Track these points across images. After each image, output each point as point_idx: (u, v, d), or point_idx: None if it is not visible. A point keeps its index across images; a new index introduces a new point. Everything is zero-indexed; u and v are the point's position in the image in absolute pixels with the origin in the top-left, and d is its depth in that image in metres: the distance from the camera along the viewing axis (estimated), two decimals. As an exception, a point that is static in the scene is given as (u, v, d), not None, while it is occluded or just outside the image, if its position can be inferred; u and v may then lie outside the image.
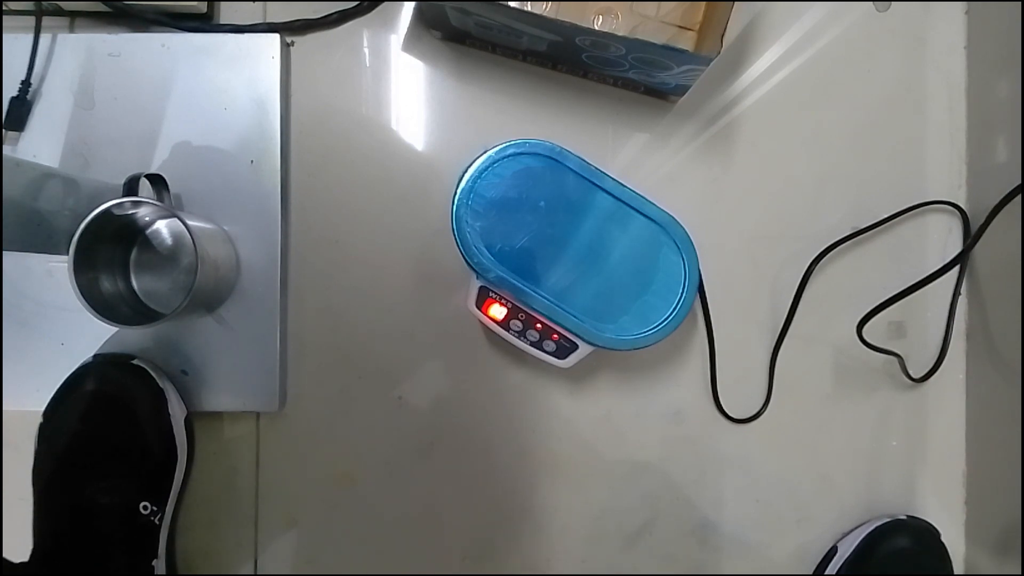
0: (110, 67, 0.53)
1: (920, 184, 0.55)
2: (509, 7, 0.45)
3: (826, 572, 0.53)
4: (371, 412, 0.55)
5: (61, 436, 0.48)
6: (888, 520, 0.53)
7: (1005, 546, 0.51)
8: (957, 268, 0.53)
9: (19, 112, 0.52)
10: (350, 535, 0.55)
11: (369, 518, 0.55)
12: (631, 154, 0.55)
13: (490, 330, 0.50)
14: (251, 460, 0.55)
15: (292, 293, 0.55)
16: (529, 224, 0.46)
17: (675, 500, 0.56)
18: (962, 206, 0.55)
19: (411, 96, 0.55)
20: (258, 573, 0.55)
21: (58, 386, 0.49)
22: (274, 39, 0.53)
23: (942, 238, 0.55)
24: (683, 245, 0.46)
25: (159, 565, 0.49)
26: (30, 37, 0.51)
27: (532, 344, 0.49)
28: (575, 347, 0.48)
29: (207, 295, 0.50)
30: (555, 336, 0.48)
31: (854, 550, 0.52)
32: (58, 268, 0.51)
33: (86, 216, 0.45)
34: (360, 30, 0.55)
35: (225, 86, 0.53)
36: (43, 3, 0.52)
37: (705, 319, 0.54)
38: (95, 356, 0.51)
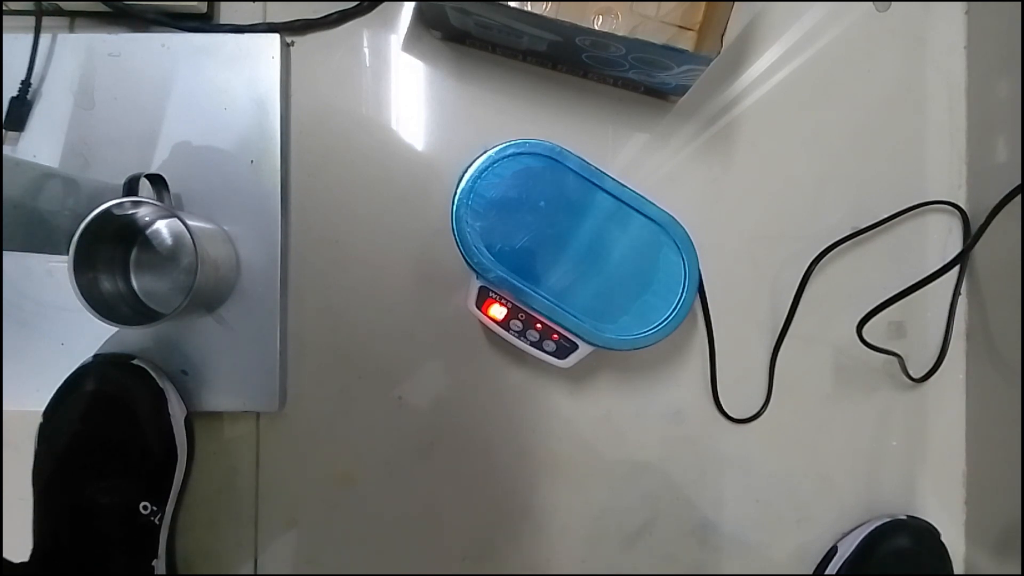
0: (110, 67, 0.53)
1: (920, 184, 0.55)
2: (509, 7, 0.45)
3: (826, 572, 0.53)
4: (371, 412, 0.55)
5: (61, 436, 0.48)
6: (888, 520, 0.53)
7: (1005, 546, 0.51)
8: (957, 268, 0.53)
9: (19, 112, 0.52)
10: (350, 535, 0.55)
11: (369, 518, 0.55)
12: (631, 154, 0.55)
13: (490, 330, 0.50)
14: (251, 460, 0.55)
15: (292, 293, 0.55)
16: (529, 224, 0.46)
17: (675, 500, 0.56)
18: (962, 206, 0.55)
19: (411, 96, 0.55)
20: (258, 573, 0.55)
21: (58, 386, 0.49)
22: (274, 39, 0.53)
23: (942, 238, 0.55)
24: (683, 245, 0.46)
25: (159, 565, 0.49)
26: (30, 37, 0.51)
27: (532, 344, 0.49)
28: (575, 347, 0.48)
29: (207, 295, 0.50)
30: (555, 336, 0.48)
31: (854, 550, 0.52)
32: (58, 268, 0.51)
33: (86, 216, 0.45)
34: (360, 30, 0.55)
35: (225, 86, 0.53)
36: (43, 3, 0.52)
37: (705, 319, 0.54)
38: (95, 356, 0.51)
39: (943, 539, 0.52)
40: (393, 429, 0.55)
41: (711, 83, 0.55)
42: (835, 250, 0.55)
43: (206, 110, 0.53)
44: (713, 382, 0.55)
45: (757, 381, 0.55)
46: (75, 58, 0.53)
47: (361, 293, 0.55)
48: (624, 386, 0.55)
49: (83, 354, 0.51)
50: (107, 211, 0.45)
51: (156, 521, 0.49)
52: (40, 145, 0.52)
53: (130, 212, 0.48)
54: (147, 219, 0.52)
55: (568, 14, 0.45)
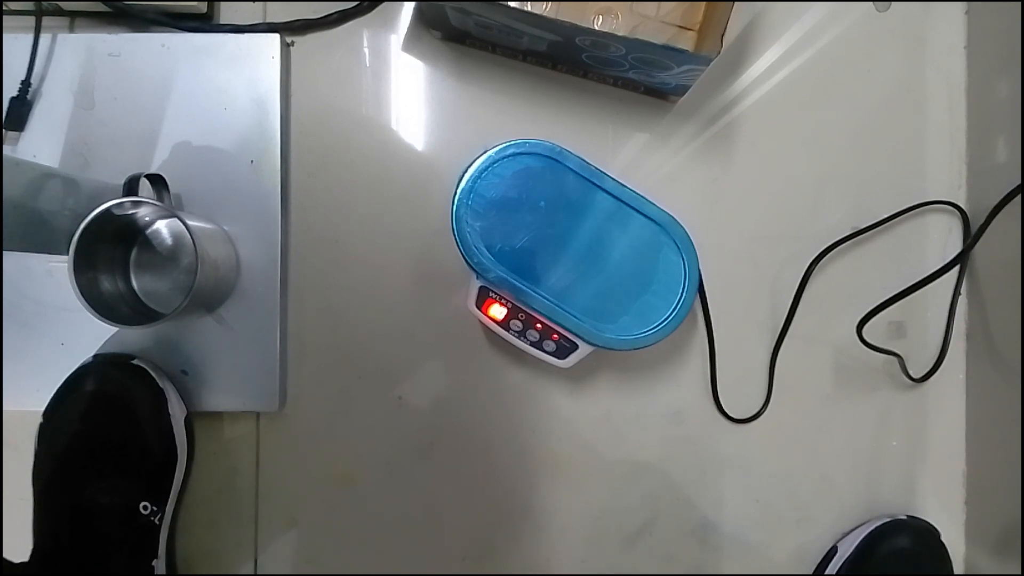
0: (110, 67, 0.53)
1: (920, 184, 0.55)
2: (509, 7, 0.45)
3: (826, 572, 0.53)
4: (371, 412, 0.55)
5: (61, 436, 0.48)
6: (888, 520, 0.53)
7: (1005, 546, 0.51)
8: (957, 268, 0.53)
9: (19, 112, 0.52)
10: (350, 535, 0.55)
11: (369, 518, 0.55)
12: (631, 154, 0.55)
13: (490, 330, 0.50)
14: (251, 460, 0.55)
15: (292, 293, 0.55)
16: (529, 224, 0.46)
17: (675, 500, 0.56)
18: (962, 206, 0.55)
19: (411, 96, 0.55)
20: (258, 573, 0.55)
21: (58, 386, 0.49)
22: (274, 39, 0.53)
23: (942, 238, 0.55)
24: (683, 245, 0.46)
25: (159, 565, 0.49)
26: (30, 37, 0.51)
27: (532, 344, 0.49)
28: (575, 347, 0.48)
29: (207, 295, 0.50)
30: (555, 336, 0.48)
31: (854, 550, 0.52)
32: (58, 268, 0.51)
33: (86, 216, 0.45)
34: (360, 30, 0.55)
35: (225, 86, 0.53)
36: (43, 3, 0.52)
37: (705, 319, 0.54)
38: (95, 356, 0.51)
39: (943, 539, 0.52)
40: (393, 429, 0.55)
41: (711, 83, 0.55)
42: (835, 250, 0.55)
43: (206, 110, 0.53)
44: (713, 382, 0.55)
45: (757, 381, 0.55)
46: (75, 58, 0.53)
47: (361, 293, 0.55)
48: (624, 386, 0.55)
49: (83, 354, 0.51)
50: (107, 211, 0.45)
51: (156, 521, 0.49)
52: (40, 145, 0.52)
53: (130, 212, 0.48)
54: (147, 219, 0.52)
55: (568, 14, 0.45)
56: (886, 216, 0.55)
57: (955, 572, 0.53)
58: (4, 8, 0.52)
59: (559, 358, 0.49)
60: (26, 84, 0.52)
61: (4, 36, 0.52)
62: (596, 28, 0.45)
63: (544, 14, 0.45)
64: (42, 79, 0.53)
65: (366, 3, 0.55)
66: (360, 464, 0.55)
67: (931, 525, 0.53)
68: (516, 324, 0.48)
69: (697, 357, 0.55)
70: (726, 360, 0.55)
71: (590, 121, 0.55)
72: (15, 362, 0.52)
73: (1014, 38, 0.50)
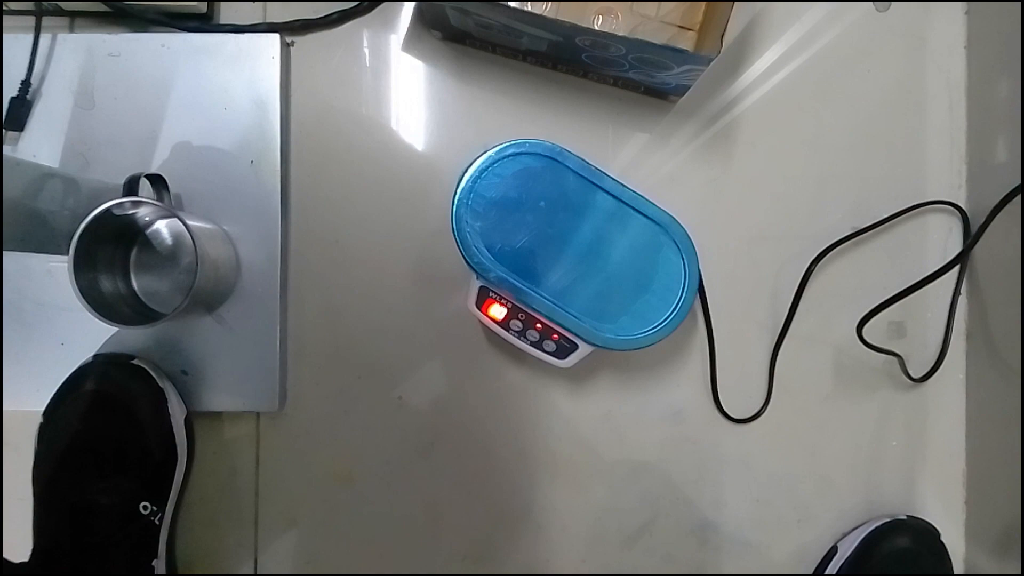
0: (110, 67, 0.53)
1: (920, 184, 0.55)
2: (509, 7, 0.45)
3: (826, 572, 0.53)
4: (371, 412, 0.55)
5: (61, 436, 0.48)
6: (888, 520, 0.53)
7: (1005, 546, 0.51)
8: (957, 268, 0.53)
9: (19, 112, 0.52)
10: (350, 535, 0.55)
11: (369, 518, 0.55)
12: (631, 154, 0.55)
13: (490, 330, 0.50)
14: (251, 460, 0.55)
15: (292, 293, 0.55)
16: (529, 224, 0.46)
17: (675, 500, 0.56)
18: (962, 206, 0.55)
19: (411, 96, 0.55)
20: (258, 573, 0.55)
21: (58, 386, 0.49)
22: (274, 39, 0.53)
23: (942, 238, 0.55)
24: (683, 245, 0.46)
25: (159, 565, 0.49)
26: (30, 37, 0.51)
27: (532, 344, 0.49)
28: (575, 347, 0.48)
29: (207, 295, 0.50)
30: (555, 336, 0.48)
31: (854, 550, 0.52)
32: (58, 268, 0.51)
33: (86, 216, 0.45)
34: (360, 30, 0.55)
35: (225, 86, 0.53)
36: (43, 3, 0.52)
37: (705, 319, 0.54)
38: (95, 356, 0.51)
39: (943, 539, 0.52)
40: (393, 429, 0.55)
41: (711, 83, 0.55)
42: (835, 250, 0.55)
43: (206, 110, 0.53)
44: (713, 382, 0.55)
45: (757, 381, 0.55)
46: (75, 58, 0.53)
47: (361, 293, 0.55)
48: (624, 386, 0.55)
49: (83, 354, 0.51)
50: (107, 211, 0.45)
51: (156, 521, 0.49)
52: (40, 145, 0.52)
53: (130, 212, 0.48)
54: (147, 219, 0.52)
55: (568, 14, 0.45)
56: (886, 216, 0.55)
57: (955, 572, 0.53)
58: (4, 8, 0.52)
59: (559, 358, 0.49)
60: (26, 84, 0.52)
61: (4, 36, 0.52)
62: (596, 28, 0.45)
63: (544, 14, 0.45)
64: (42, 79, 0.53)
65: (366, 3, 0.55)
66: (360, 464, 0.55)
67: (931, 525, 0.53)
68: (516, 324, 0.48)
69: (697, 357, 0.55)
70: (726, 360, 0.55)
71: (590, 121, 0.55)
72: (15, 362, 0.52)
73: (1014, 38, 0.50)
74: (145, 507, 0.48)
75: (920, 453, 0.55)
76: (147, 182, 0.48)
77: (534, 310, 0.46)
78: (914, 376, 0.55)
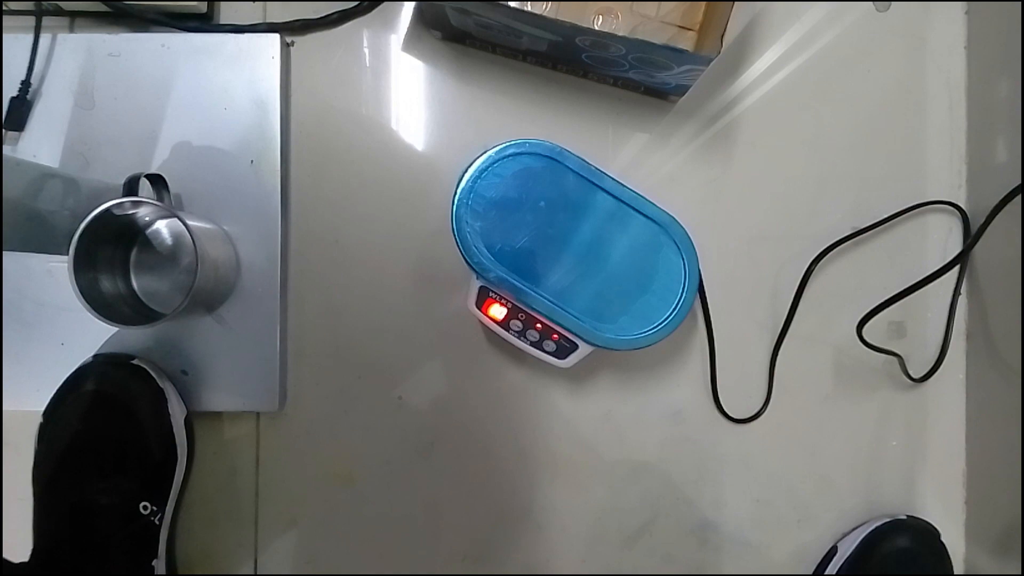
0: (110, 67, 0.53)
1: (920, 184, 0.55)
2: (509, 7, 0.45)
3: (826, 572, 0.53)
4: (371, 412, 0.55)
5: (61, 436, 0.48)
6: (888, 520, 0.53)
7: (1005, 546, 0.51)
8: (957, 268, 0.53)
9: (19, 112, 0.52)
10: (350, 535, 0.55)
11: (369, 518, 0.55)
12: (631, 154, 0.55)
13: (490, 330, 0.50)
14: (251, 460, 0.55)
15: (292, 293, 0.55)
16: (529, 224, 0.46)
17: (675, 500, 0.56)
18: (962, 206, 0.55)
19: (411, 96, 0.55)
20: (258, 573, 0.55)
21: (58, 386, 0.49)
22: (274, 39, 0.53)
23: (942, 238, 0.55)
24: (683, 245, 0.46)
25: (159, 565, 0.49)
26: (30, 37, 0.51)
27: (532, 344, 0.49)
28: (575, 347, 0.48)
29: (207, 295, 0.50)
30: (555, 336, 0.48)
31: (854, 550, 0.52)
32: (58, 268, 0.51)
33: (86, 216, 0.45)
34: (360, 30, 0.55)
35: (225, 86, 0.53)
36: (43, 3, 0.52)
37: (705, 319, 0.54)
38: (95, 356, 0.51)
39: (943, 539, 0.52)
40: (393, 429, 0.55)
41: (711, 83, 0.55)
42: (835, 250, 0.55)
43: (206, 110, 0.53)
44: (713, 382, 0.55)
45: (757, 381, 0.55)
46: (75, 58, 0.53)
47: (361, 293, 0.55)
48: (624, 386, 0.55)
49: (83, 354, 0.51)
50: (107, 211, 0.45)
51: (156, 521, 0.49)
52: (40, 145, 0.52)
53: (130, 212, 0.48)
54: (147, 219, 0.52)
55: (568, 14, 0.45)
56: (886, 216, 0.55)
57: (955, 572, 0.53)
58: (4, 8, 0.52)
59: (559, 358, 0.49)
60: (26, 84, 0.52)
61: (4, 36, 0.52)
62: (596, 28, 0.45)
63: (544, 14, 0.45)
64: (42, 79, 0.53)
65: (366, 3, 0.55)
66: (360, 464, 0.55)
67: (931, 525, 0.53)
68: (516, 324, 0.48)
69: (697, 357, 0.55)
70: (726, 360, 0.55)
71: (590, 121, 0.55)
72: (15, 362, 0.52)
73: (1014, 38, 0.50)
74: (145, 507, 0.48)
75: (920, 453, 0.55)
76: (147, 182, 0.48)
77: (534, 310, 0.46)
78: (914, 376, 0.55)
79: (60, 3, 0.54)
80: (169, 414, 0.50)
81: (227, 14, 0.55)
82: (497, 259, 0.46)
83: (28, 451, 0.49)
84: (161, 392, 0.50)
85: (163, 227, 0.53)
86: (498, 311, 0.48)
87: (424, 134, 0.55)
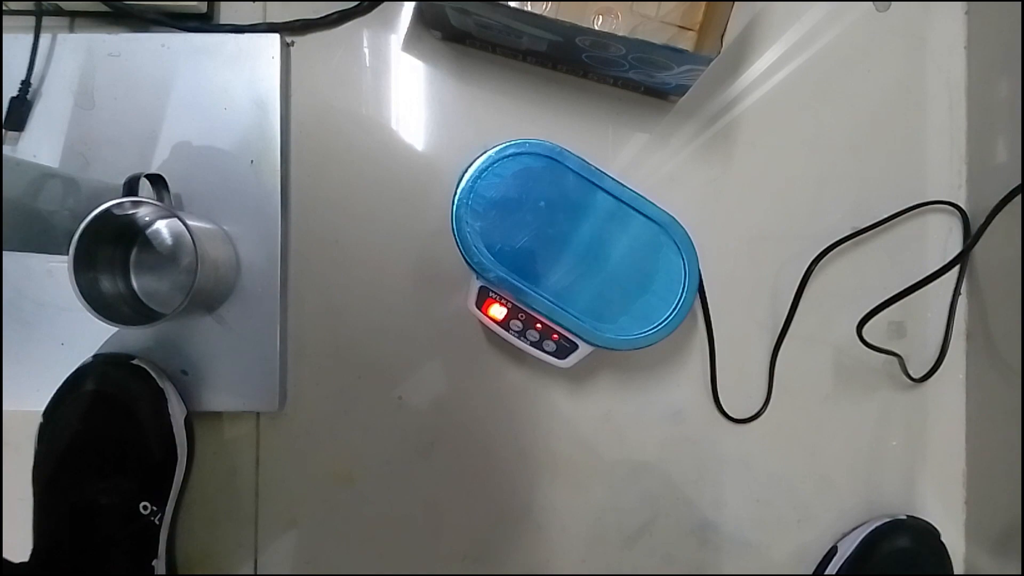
0: (110, 67, 0.53)
1: (920, 184, 0.55)
2: (509, 7, 0.45)
3: (826, 572, 0.53)
4: (371, 412, 0.55)
5: (61, 436, 0.48)
6: (888, 520, 0.53)
7: (1005, 546, 0.51)
8: (957, 268, 0.53)
9: (19, 112, 0.52)
10: (350, 535, 0.55)
11: (369, 518, 0.55)
12: (631, 154, 0.55)
13: (490, 330, 0.50)
14: (251, 460, 0.55)
15: (292, 293, 0.55)
16: (529, 224, 0.46)
17: (675, 500, 0.56)
18: (962, 206, 0.55)
19: (411, 96, 0.55)
20: (258, 573, 0.55)
21: (58, 386, 0.49)
22: (274, 39, 0.53)
23: (942, 238, 0.55)
24: (683, 245, 0.46)
25: (159, 565, 0.49)
26: (30, 37, 0.51)
27: (532, 344, 0.49)
28: (575, 347, 0.48)
29: (207, 295, 0.50)
30: (555, 336, 0.48)
31: (854, 550, 0.52)
32: (58, 268, 0.51)
33: (86, 216, 0.45)
34: (360, 30, 0.55)
35: (225, 86, 0.53)
36: (43, 3, 0.52)
37: (705, 319, 0.54)
38: (95, 356, 0.51)
39: (943, 539, 0.52)
40: (393, 429, 0.55)
41: (711, 83, 0.55)
42: (835, 250, 0.55)
43: (206, 110, 0.53)
44: (713, 382, 0.55)
45: (757, 381, 0.55)
46: (75, 58, 0.53)
47: (361, 293, 0.55)
48: (624, 386, 0.55)
49: (83, 354, 0.51)
50: (107, 211, 0.45)
51: (156, 521, 0.49)
52: (40, 145, 0.52)
53: (130, 212, 0.48)
54: (147, 219, 0.52)
55: (568, 14, 0.45)
56: (886, 216, 0.55)
57: (955, 572, 0.53)
58: (4, 8, 0.52)
59: (559, 358, 0.49)
60: (26, 84, 0.52)
61: (4, 36, 0.52)
62: (596, 28, 0.45)
63: (544, 14, 0.45)
64: (42, 79, 0.53)
65: (366, 3, 0.55)
66: (360, 464, 0.55)
67: (931, 525, 0.53)
68: (516, 324, 0.48)
69: (697, 357, 0.55)
70: (726, 360, 0.55)
71: (590, 121, 0.55)
72: (15, 362, 0.52)
73: (1014, 38, 0.50)
74: (145, 507, 0.48)
75: (920, 453, 0.55)
76: (147, 182, 0.48)
77: (534, 310, 0.46)
78: (914, 376, 0.55)
79: (60, 3, 0.54)
80: (169, 414, 0.50)
81: (227, 14, 0.55)
82: (497, 259, 0.46)
83: (28, 451, 0.49)
84: (161, 392, 0.50)
85: (163, 227, 0.53)
86: (498, 311, 0.48)
87: (424, 134, 0.55)
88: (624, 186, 0.46)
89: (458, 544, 0.55)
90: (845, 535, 0.54)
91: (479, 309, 0.48)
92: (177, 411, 0.51)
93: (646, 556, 0.56)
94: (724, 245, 0.55)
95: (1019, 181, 0.46)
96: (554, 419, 0.55)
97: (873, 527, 0.52)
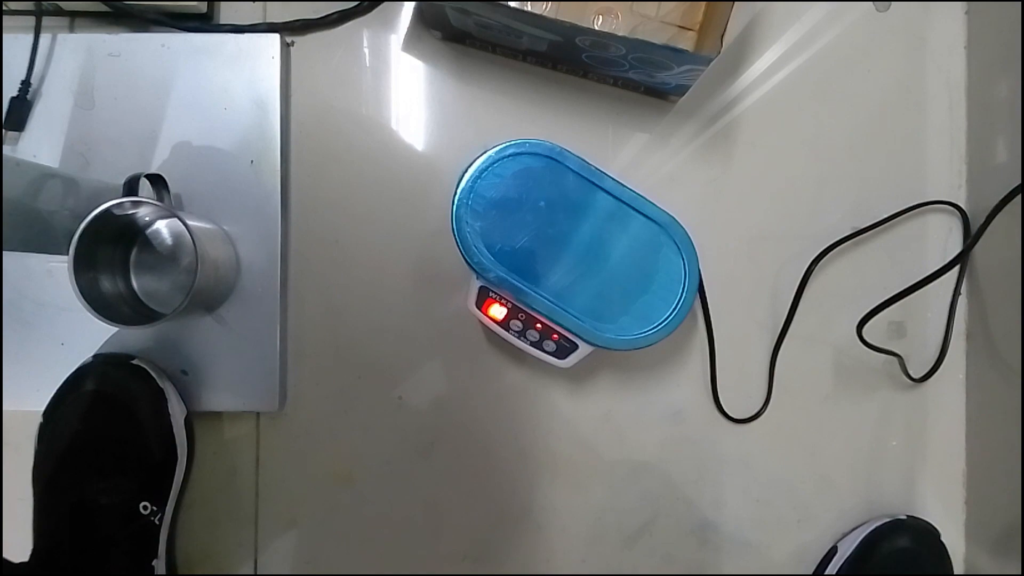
0: (110, 67, 0.53)
1: (920, 184, 0.55)
2: (509, 7, 0.45)
3: (826, 572, 0.53)
4: (371, 412, 0.55)
5: (61, 436, 0.48)
6: (888, 520, 0.53)
7: (1005, 546, 0.51)
8: (957, 268, 0.53)
9: (19, 112, 0.52)
10: (350, 535, 0.55)
11: (369, 518, 0.55)
12: (631, 154, 0.55)
13: (490, 330, 0.50)
14: (251, 460, 0.55)
15: (292, 293, 0.55)
16: (529, 224, 0.46)
17: (675, 500, 0.56)
18: (962, 206, 0.55)
19: (411, 96, 0.55)
20: (258, 573, 0.55)
21: (58, 386, 0.49)
22: (274, 39, 0.53)
23: (942, 238, 0.55)
24: (683, 245, 0.46)
25: (159, 565, 0.49)
26: (30, 37, 0.51)
27: (532, 344, 0.49)
28: (575, 347, 0.48)
29: (207, 295, 0.50)
30: (555, 336, 0.48)
31: (854, 550, 0.52)
32: (58, 268, 0.51)
33: (86, 216, 0.45)
34: (360, 30, 0.55)
35: (225, 86, 0.53)
36: (43, 3, 0.52)
37: (705, 319, 0.54)
38: (95, 356, 0.51)
39: (943, 539, 0.52)
40: (393, 429, 0.55)
41: (711, 83, 0.55)
42: (835, 250, 0.55)
43: (206, 110, 0.53)
44: (713, 382, 0.55)
45: (757, 381, 0.55)
46: (75, 58, 0.53)
47: (361, 293, 0.55)
48: (624, 386, 0.55)
49: (83, 354, 0.51)
50: (107, 211, 0.45)
51: (156, 521, 0.49)
52: (40, 145, 0.52)
53: (130, 212, 0.48)
54: (147, 219, 0.52)
55: (568, 14, 0.45)
56: (886, 216, 0.55)
57: (955, 572, 0.53)
58: (4, 8, 0.52)
59: (559, 358, 0.49)
60: (26, 84, 0.52)
61: (4, 36, 0.52)
62: (596, 28, 0.45)
63: (544, 14, 0.45)
64: (42, 79, 0.53)
65: (366, 3, 0.55)
66: (360, 464, 0.55)
67: (931, 525, 0.53)
68: (516, 324, 0.48)
69: (697, 357, 0.55)
70: (726, 360, 0.55)
71: (590, 121, 0.55)
72: (15, 362, 0.52)
73: (1014, 38, 0.50)
74: (145, 507, 0.48)
75: (920, 453, 0.55)
76: (147, 182, 0.48)
77: (534, 310, 0.46)
78: (914, 376, 0.55)
79: (60, 3, 0.54)
80: (169, 414, 0.50)
81: (227, 14, 0.55)
82: (497, 259, 0.46)
83: (28, 451, 0.49)
84: (161, 392, 0.50)
85: (163, 227, 0.53)
86: (498, 311, 0.48)
87: (424, 134, 0.55)
88: (624, 186, 0.46)
89: (458, 544, 0.55)
90: (845, 535, 0.54)
91: (479, 309, 0.48)
92: (177, 411, 0.51)
93: (646, 556, 0.56)
94: (724, 245, 0.55)
95: (1019, 181, 0.46)
96: (554, 419, 0.55)
97: (873, 527, 0.52)
